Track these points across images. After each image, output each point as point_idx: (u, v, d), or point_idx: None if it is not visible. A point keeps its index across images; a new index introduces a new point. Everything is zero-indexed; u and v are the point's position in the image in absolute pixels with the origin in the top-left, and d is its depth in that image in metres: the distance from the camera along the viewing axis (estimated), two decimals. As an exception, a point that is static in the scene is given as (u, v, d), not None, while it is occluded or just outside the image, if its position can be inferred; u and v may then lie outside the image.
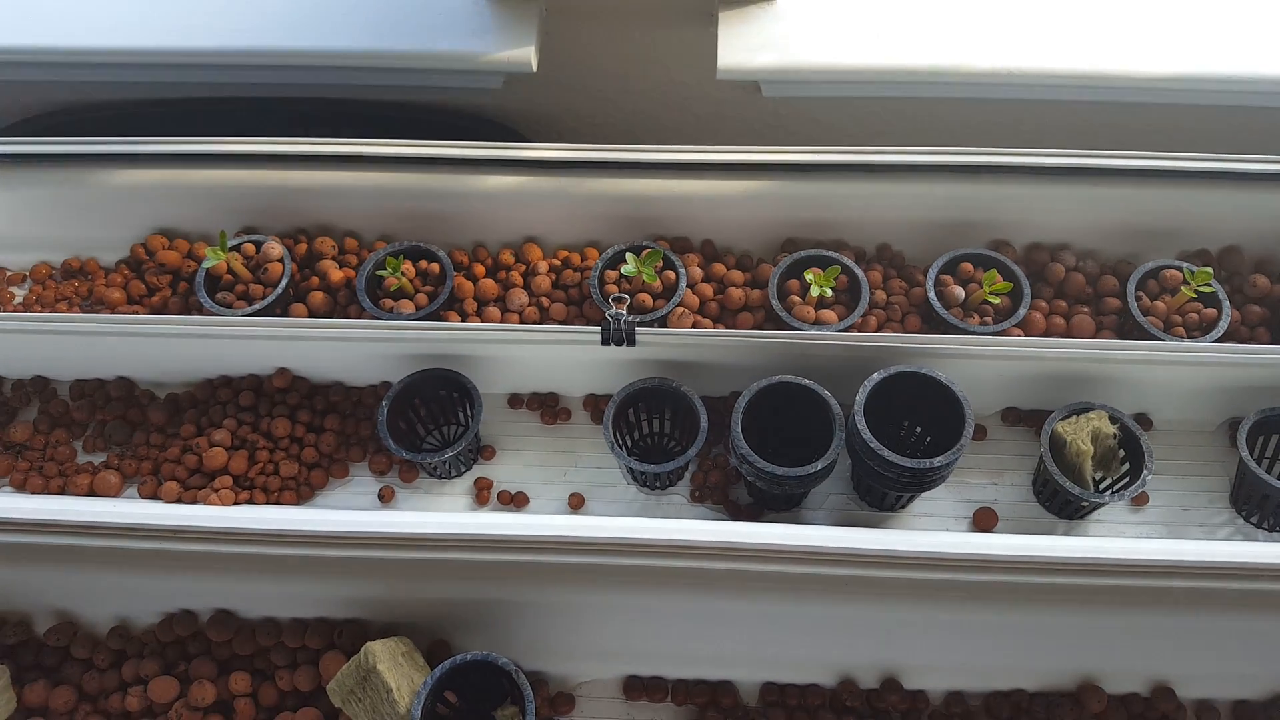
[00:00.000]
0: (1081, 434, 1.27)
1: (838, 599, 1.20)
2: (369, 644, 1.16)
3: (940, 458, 1.20)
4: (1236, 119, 1.66)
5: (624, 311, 1.33)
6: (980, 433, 1.42)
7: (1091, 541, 1.21)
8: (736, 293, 1.48)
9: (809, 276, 1.38)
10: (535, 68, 1.57)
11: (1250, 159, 1.45)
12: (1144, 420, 1.41)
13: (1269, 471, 1.35)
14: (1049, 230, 1.51)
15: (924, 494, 1.37)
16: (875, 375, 1.27)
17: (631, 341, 1.34)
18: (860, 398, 1.25)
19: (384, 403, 1.33)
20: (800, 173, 1.50)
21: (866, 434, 1.22)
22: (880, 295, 1.48)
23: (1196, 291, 1.35)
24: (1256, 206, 1.47)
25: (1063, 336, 1.44)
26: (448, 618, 1.26)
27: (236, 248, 1.50)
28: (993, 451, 1.41)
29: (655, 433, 1.43)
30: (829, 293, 1.39)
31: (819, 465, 1.22)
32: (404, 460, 1.36)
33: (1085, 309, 1.46)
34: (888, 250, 1.54)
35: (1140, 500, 1.36)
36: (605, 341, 1.34)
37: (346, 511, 1.34)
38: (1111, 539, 1.29)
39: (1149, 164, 1.45)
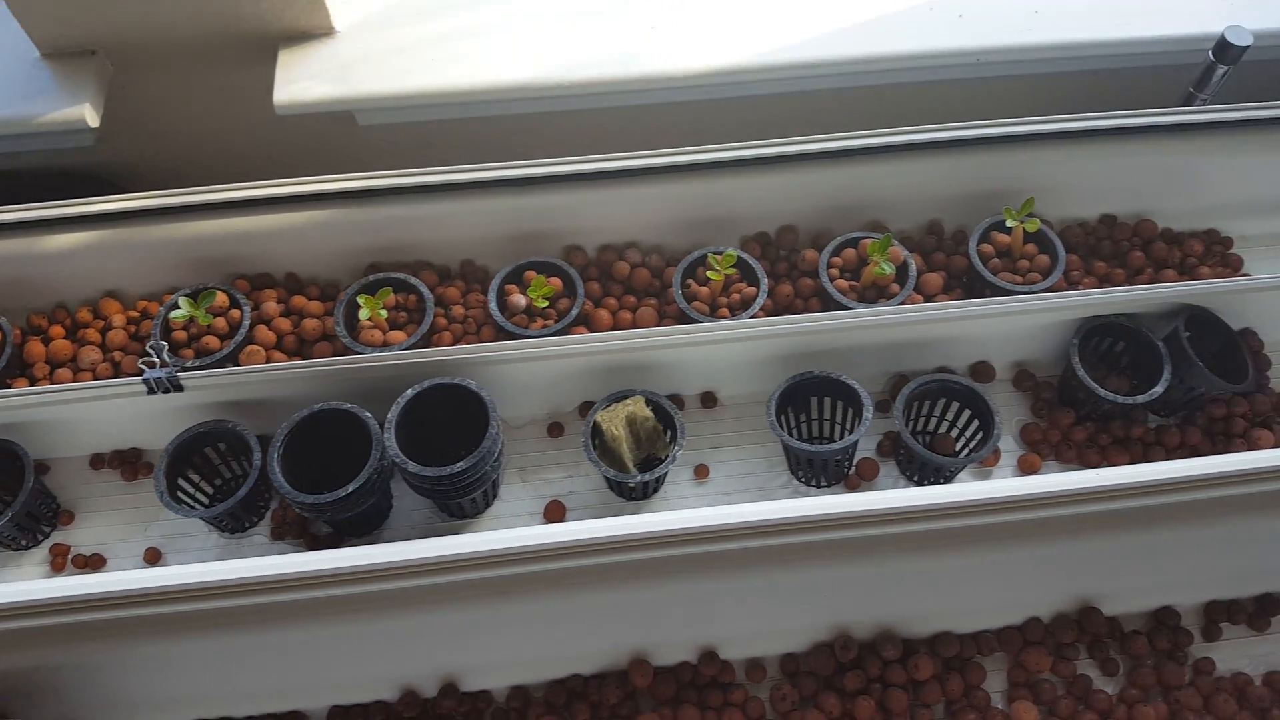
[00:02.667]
0: (616, 420, 1.33)
1: (390, 612, 1.22)
2: (-117, 734, 1.12)
3: (461, 463, 1.24)
4: (790, 106, 1.77)
5: (161, 359, 1.33)
6: (558, 429, 1.47)
7: (604, 522, 1.22)
8: (312, 324, 1.49)
9: (360, 301, 1.41)
10: (95, 124, 1.55)
11: (789, 142, 1.53)
12: (710, 398, 1.49)
13: (820, 431, 1.44)
14: (618, 231, 1.58)
15: (503, 495, 1.42)
16: (409, 391, 1.30)
17: (178, 388, 1.34)
18: (392, 414, 1.28)
19: (-80, 482, 1.30)
20: (375, 197, 1.53)
21: (394, 449, 1.25)
22: (459, 310, 1.52)
23: (724, 274, 1.43)
24: (802, 186, 1.56)
25: (630, 329, 1.50)
26: (3, 688, 1.23)
27: None
28: (570, 446, 1.46)
29: (238, 475, 1.43)
30: (383, 314, 1.42)
31: (350, 488, 1.25)
32: (-43, 537, 1.32)
33: (653, 301, 1.53)
34: (471, 265, 1.58)
35: (702, 473, 1.43)
36: (151, 391, 1.33)
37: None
38: (630, 517, 1.28)
39: (697, 158, 1.53)
